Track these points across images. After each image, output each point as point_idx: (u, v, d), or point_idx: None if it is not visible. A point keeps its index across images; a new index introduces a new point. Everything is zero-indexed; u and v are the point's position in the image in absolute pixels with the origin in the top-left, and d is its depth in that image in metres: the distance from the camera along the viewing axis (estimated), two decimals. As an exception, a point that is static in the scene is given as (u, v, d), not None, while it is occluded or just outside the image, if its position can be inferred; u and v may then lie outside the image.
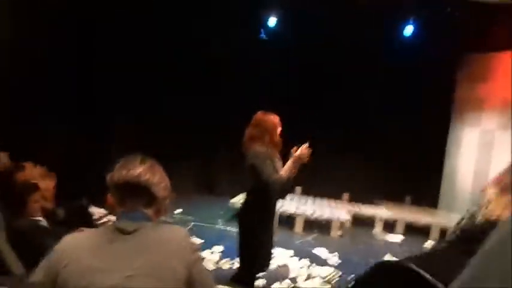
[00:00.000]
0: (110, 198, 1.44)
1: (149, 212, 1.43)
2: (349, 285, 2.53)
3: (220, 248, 4.89)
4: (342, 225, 6.43)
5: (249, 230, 3.17)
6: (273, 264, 4.64)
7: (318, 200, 7.50)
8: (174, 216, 6.17)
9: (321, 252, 5.35)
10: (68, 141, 5.65)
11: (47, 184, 2.43)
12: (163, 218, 1.52)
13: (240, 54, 7.29)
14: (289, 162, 3.08)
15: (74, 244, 1.35)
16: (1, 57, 4.71)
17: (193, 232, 5.29)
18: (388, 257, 5.35)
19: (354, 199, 7.79)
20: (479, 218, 2.12)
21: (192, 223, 5.94)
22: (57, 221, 2.51)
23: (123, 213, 1.41)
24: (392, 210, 7.22)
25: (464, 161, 7.29)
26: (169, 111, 7.07)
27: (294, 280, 4.37)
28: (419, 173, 7.45)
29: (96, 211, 2.82)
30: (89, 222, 2.66)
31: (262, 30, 7.40)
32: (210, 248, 4.87)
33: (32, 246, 2.03)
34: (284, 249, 5.13)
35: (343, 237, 6.32)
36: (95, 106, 6.27)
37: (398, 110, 7.31)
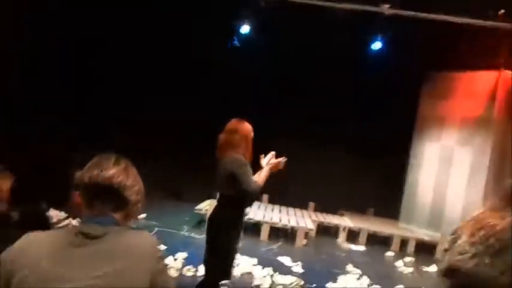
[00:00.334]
0: (78, 197, 1.34)
1: (118, 216, 1.34)
2: None
3: (184, 254, 4.82)
4: (306, 234, 6.49)
5: (220, 237, 3.13)
6: (238, 271, 4.63)
7: (284, 209, 7.56)
8: (138, 221, 6.03)
9: (285, 260, 5.38)
10: (31, 143, 5.47)
11: (1, 184, 2.31)
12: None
13: (208, 62, 7.30)
14: (264, 170, 3.10)
15: (32, 246, 1.24)
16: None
17: (156, 238, 5.19)
18: (349, 267, 5.44)
19: (319, 209, 7.90)
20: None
21: (156, 229, 5.83)
22: (10, 223, 2.39)
23: (90, 216, 1.31)
24: (356, 221, 7.37)
25: (424, 175, 7.55)
26: (140, 114, 6.98)
27: (257, 288, 4.37)
28: (382, 186, 7.65)
29: (55, 214, 2.72)
30: (45, 225, 2.56)
31: (235, 37, 7.42)
32: (173, 254, 4.79)
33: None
34: (249, 257, 5.11)
35: (308, 246, 6.38)
36: (55, 108, 6.17)
37: (364, 122, 7.51)
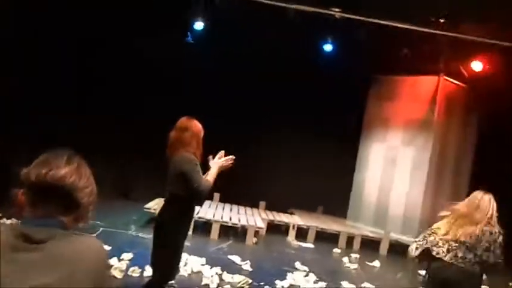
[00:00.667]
0: (21, 197, 1.19)
1: (67, 219, 1.21)
2: None
3: (130, 255, 4.67)
4: (257, 232, 6.53)
5: (168, 237, 3.06)
6: (186, 271, 4.56)
7: (235, 208, 7.56)
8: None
9: (235, 259, 5.37)
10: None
11: None
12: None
13: (160, 59, 7.17)
14: (213, 169, 3.07)
15: None
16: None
17: (101, 238, 4.99)
18: (298, 264, 5.54)
19: (270, 208, 7.98)
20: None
21: (101, 229, 5.60)
22: None
23: (32, 217, 1.19)
24: (305, 219, 7.52)
25: (371, 174, 7.86)
26: (89, 111, 6.78)
27: (205, 287, 4.32)
28: (332, 185, 7.84)
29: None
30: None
31: (189, 33, 7.31)
32: (118, 255, 4.63)
33: None
34: (198, 256, 5.05)
35: (258, 245, 6.42)
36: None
37: (315, 122, 7.68)
